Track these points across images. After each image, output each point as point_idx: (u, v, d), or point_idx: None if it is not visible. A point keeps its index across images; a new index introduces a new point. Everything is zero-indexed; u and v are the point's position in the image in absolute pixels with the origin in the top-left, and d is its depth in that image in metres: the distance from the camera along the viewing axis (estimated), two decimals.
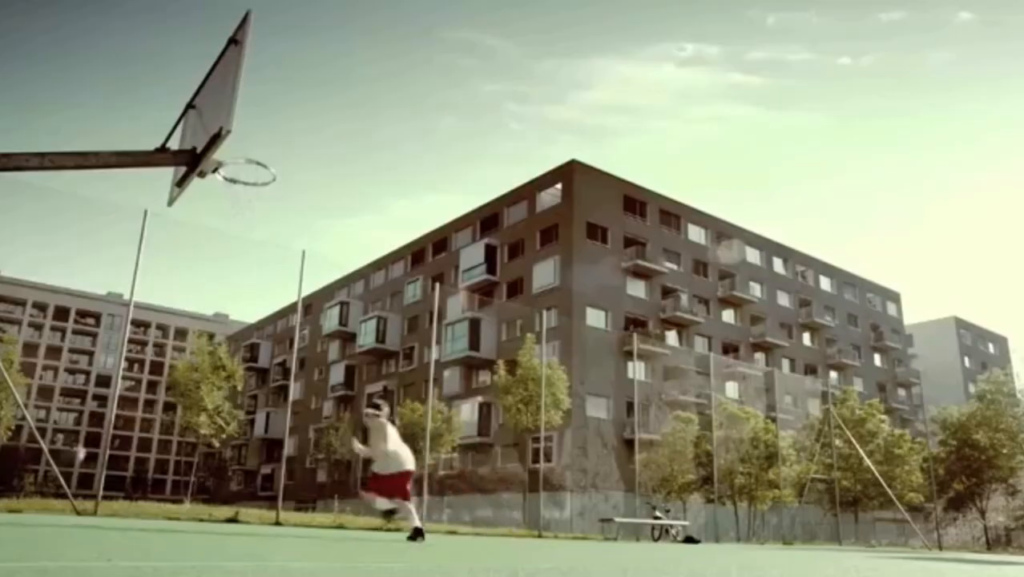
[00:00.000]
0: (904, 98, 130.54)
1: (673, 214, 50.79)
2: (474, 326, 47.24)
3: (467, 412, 44.33)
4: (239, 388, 40.08)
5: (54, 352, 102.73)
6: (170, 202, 6.59)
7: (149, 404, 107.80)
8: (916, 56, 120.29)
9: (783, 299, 56.62)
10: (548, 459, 37.96)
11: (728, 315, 52.62)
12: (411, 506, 8.15)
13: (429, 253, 57.02)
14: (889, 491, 30.10)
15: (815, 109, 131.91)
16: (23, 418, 43.27)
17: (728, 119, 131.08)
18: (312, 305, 63.57)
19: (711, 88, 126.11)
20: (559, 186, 47.07)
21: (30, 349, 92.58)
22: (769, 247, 56.89)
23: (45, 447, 17.20)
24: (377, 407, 8.35)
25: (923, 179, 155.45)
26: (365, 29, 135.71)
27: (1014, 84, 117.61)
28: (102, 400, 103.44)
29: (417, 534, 7.93)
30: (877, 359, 63.46)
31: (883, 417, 38.15)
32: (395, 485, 8.02)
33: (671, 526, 21.49)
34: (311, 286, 61.90)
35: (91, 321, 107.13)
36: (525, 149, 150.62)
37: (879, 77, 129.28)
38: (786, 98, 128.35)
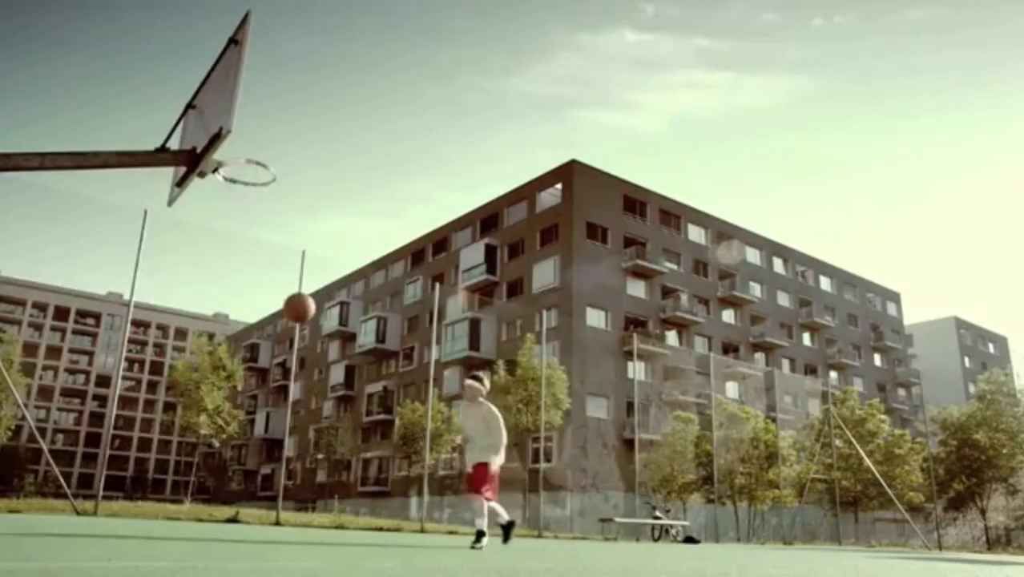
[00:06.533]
0: (885, 69, 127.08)
1: (673, 214, 50.81)
2: (474, 326, 47.25)
3: None
4: (239, 388, 40.12)
5: (54, 352, 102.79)
6: (170, 202, 6.58)
7: (149, 404, 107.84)
8: (893, 15, 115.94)
9: (783, 299, 56.63)
10: (548, 459, 37.97)
11: (728, 315, 52.62)
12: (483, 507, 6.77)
13: (429, 253, 57.02)
14: (889, 491, 30.09)
15: (793, 72, 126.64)
16: (23, 418, 43.28)
17: (700, 86, 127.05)
18: None
19: (676, 55, 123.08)
20: (559, 186, 47.08)
21: (30, 349, 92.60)
22: (769, 247, 56.90)
23: (45, 447, 17.20)
24: (478, 379, 7.19)
25: (923, 178, 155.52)
26: (346, 21, 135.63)
27: (1009, 69, 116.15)
28: (102, 400, 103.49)
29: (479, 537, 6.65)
30: (877, 359, 63.47)
31: (883, 417, 38.10)
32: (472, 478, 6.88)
33: (671, 526, 21.48)
34: (310, 286, 61.79)
35: (91, 321, 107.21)
36: (489, 127, 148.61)
37: (855, 39, 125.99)
38: (757, 64, 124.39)
